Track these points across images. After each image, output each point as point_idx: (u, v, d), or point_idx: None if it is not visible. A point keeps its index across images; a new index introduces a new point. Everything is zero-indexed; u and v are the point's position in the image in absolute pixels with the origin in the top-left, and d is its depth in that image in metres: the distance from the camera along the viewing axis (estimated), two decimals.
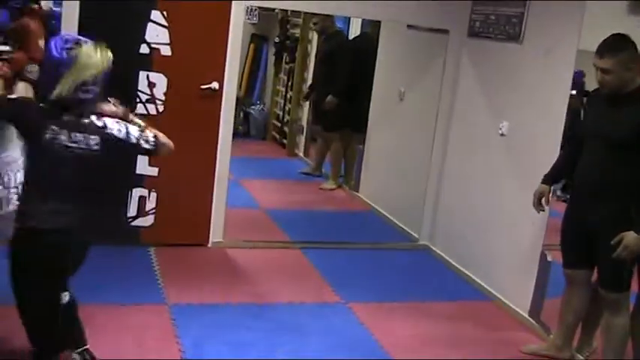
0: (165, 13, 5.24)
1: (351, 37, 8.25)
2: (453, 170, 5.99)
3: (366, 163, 7.48)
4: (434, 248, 6.14)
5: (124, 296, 4.64)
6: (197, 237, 5.64)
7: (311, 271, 5.49)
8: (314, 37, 8.89)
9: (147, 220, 5.48)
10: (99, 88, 3.33)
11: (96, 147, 3.27)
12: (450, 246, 5.95)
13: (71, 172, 3.24)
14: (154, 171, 5.39)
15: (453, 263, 5.83)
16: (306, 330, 4.50)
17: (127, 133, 3.42)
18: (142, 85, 5.28)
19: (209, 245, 5.68)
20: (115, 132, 3.36)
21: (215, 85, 5.41)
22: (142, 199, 5.44)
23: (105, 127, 3.33)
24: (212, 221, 5.65)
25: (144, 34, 5.23)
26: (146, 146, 3.52)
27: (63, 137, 3.20)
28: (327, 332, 4.50)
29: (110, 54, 3.44)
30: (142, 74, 5.27)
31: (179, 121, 5.34)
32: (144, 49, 5.24)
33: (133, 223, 5.44)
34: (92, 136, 3.27)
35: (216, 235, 5.68)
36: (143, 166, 5.37)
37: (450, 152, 6.04)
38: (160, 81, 5.30)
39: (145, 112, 5.29)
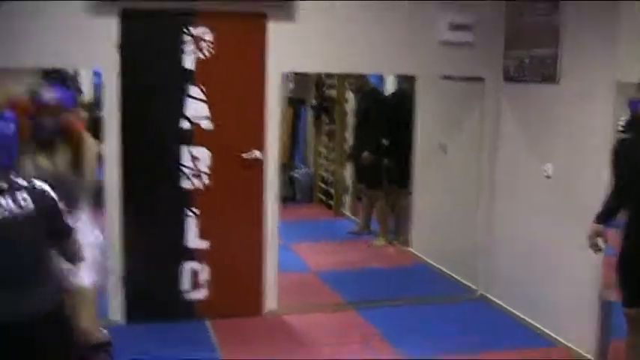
0: (202, 87, 5.33)
1: (386, 92, 8.29)
2: (503, 216, 5.94)
3: (414, 217, 7.44)
4: (491, 297, 6.05)
5: None
6: (251, 306, 5.63)
7: (369, 331, 5.44)
8: (350, 96, 8.94)
9: (201, 293, 5.50)
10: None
11: (25, 204, 2.88)
12: (507, 293, 5.86)
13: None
14: (204, 244, 5.42)
15: (512, 310, 5.74)
16: None
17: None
18: (186, 159, 5.35)
19: (264, 313, 5.66)
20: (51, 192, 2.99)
21: (257, 153, 5.46)
22: (194, 273, 5.47)
23: (35, 184, 2.97)
24: (265, 289, 5.65)
25: (183, 110, 5.32)
26: (67, 225, 3.08)
27: None
28: None
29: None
30: (185, 149, 5.35)
31: (225, 193, 5.42)
32: (185, 124, 5.33)
33: (187, 297, 5.46)
34: (18, 194, 2.90)
35: (270, 302, 5.67)
36: (193, 239, 5.42)
37: (497, 198, 5.99)
38: (203, 154, 5.38)
39: (191, 187, 5.36)
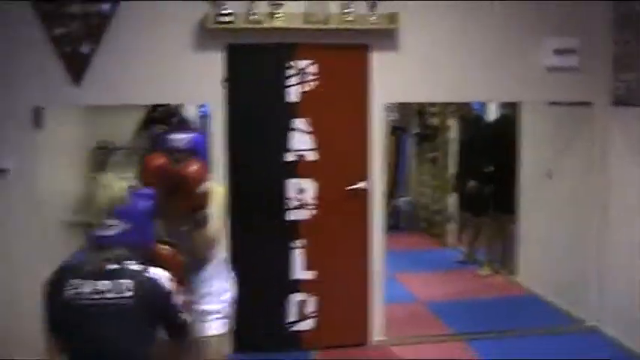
0: (307, 119, 5.38)
1: (489, 118, 8.19)
2: (617, 244, 5.75)
3: (520, 245, 7.29)
4: (602, 329, 5.86)
5: None
6: (358, 336, 5.62)
7: None
8: (453, 124, 8.87)
9: (308, 324, 5.53)
10: (127, 225, 2.81)
11: (128, 292, 2.70)
12: (620, 324, 5.66)
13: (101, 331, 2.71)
14: (310, 275, 5.45)
15: (625, 344, 5.54)
16: None
17: (174, 292, 2.85)
18: (291, 192, 5.41)
19: (371, 344, 5.63)
20: (163, 282, 2.81)
21: (362, 184, 5.47)
22: (301, 304, 5.50)
23: (145, 271, 2.78)
24: (372, 319, 5.63)
25: (288, 143, 5.38)
26: (181, 319, 2.92)
27: (86, 289, 2.70)
28: None
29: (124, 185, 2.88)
30: (291, 181, 5.40)
31: (331, 224, 5.45)
32: (290, 156, 5.39)
33: (294, 329, 5.49)
34: (123, 280, 2.72)
35: (377, 333, 5.64)
36: (299, 270, 5.45)
37: (610, 224, 5.81)
38: (309, 186, 5.42)
39: (297, 218, 5.40)
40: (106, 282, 2.69)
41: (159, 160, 3.40)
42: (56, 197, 8.17)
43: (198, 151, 3.55)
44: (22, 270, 5.21)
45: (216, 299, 3.70)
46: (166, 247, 3.14)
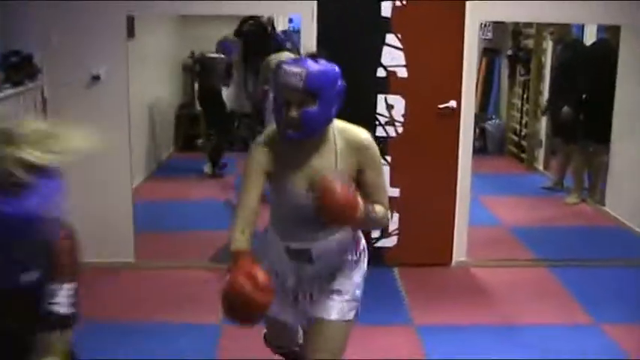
0: (399, 35, 5.29)
1: (587, 42, 7.92)
2: None
3: (611, 175, 7.11)
4: None
5: (373, 317, 4.68)
6: (440, 256, 5.62)
7: (559, 291, 5.29)
8: (548, 47, 8.63)
9: (391, 241, 5.55)
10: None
11: None
12: None
13: None
14: (395, 192, 5.43)
15: None
16: (558, 353, 4.31)
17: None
18: (381, 107, 5.37)
19: (453, 265, 5.63)
20: None
21: (453, 103, 5.38)
22: None
23: None
24: (455, 240, 5.61)
25: (380, 58, 5.31)
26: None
27: None
28: (580, 356, 4.28)
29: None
30: (380, 97, 5.36)
31: (419, 142, 5.40)
32: (381, 72, 5.33)
33: (377, 244, 5.51)
34: None
35: (459, 254, 5.63)
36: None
37: None
38: (398, 103, 5.37)
39: (385, 135, 5.37)
40: None
41: None
42: (147, 105, 8.35)
43: (322, 92, 2.72)
44: (112, 177, 5.36)
45: (347, 279, 3.01)
46: None
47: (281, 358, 3.56)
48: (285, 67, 2.70)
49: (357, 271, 3.04)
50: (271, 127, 2.87)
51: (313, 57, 2.75)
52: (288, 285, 3.00)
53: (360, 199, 2.67)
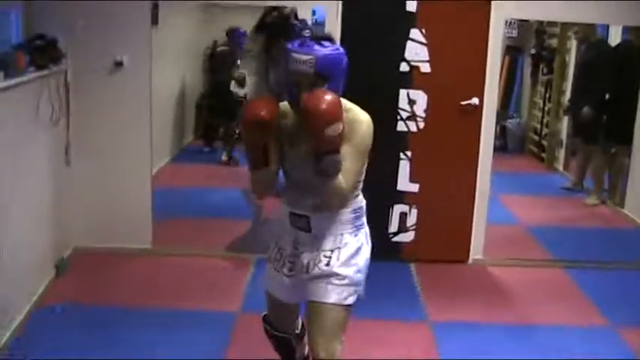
0: (424, 30, 5.28)
1: (611, 43, 7.87)
2: None
3: (632, 177, 7.06)
4: None
5: (387, 312, 4.70)
6: (457, 253, 5.61)
7: (575, 292, 5.27)
8: (572, 46, 8.58)
9: (408, 236, 5.55)
10: None
11: None
12: None
13: None
14: (415, 187, 5.43)
15: None
16: (572, 354, 4.30)
17: None
18: (403, 102, 5.36)
19: (469, 262, 5.62)
20: None
21: (475, 100, 5.37)
22: (403, 215, 5.51)
23: None
24: (472, 238, 5.60)
25: (404, 52, 5.30)
26: None
27: None
28: (593, 357, 4.26)
29: None
30: (403, 92, 5.35)
31: (439, 138, 5.40)
32: (404, 67, 5.32)
33: (394, 239, 5.51)
34: None
35: (476, 251, 5.62)
36: (404, 182, 5.44)
37: None
38: (420, 98, 5.36)
39: (406, 129, 5.36)
40: None
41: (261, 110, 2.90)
42: (168, 93, 8.36)
43: (331, 73, 2.90)
44: (131, 163, 5.39)
45: (346, 262, 3.06)
46: None
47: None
48: (294, 54, 2.84)
49: (358, 255, 3.11)
50: (283, 103, 3.02)
51: (317, 40, 2.89)
52: (285, 254, 3.12)
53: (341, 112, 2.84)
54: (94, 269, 5.21)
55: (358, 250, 3.12)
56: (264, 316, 3.45)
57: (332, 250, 3.05)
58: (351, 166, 2.93)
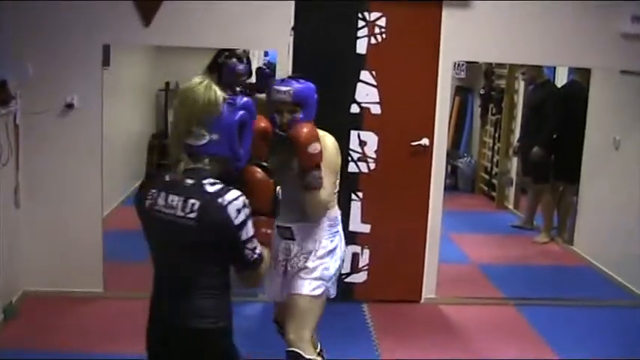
0: (374, 72, 5.35)
1: (558, 84, 8.04)
2: None
3: (580, 215, 7.20)
4: None
5: (340, 353, 4.67)
6: (410, 293, 5.64)
7: (527, 329, 5.33)
8: (520, 87, 8.74)
9: (360, 277, 5.56)
10: (216, 136, 2.54)
11: (192, 214, 2.47)
12: None
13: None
14: (366, 228, 5.47)
15: None
16: None
17: (244, 224, 2.51)
18: (354, 143, 5.40)
19: (422, 301, 5.65)
20: (230, 211, 2.47)
21: (425, 141, 5.44)
22: (355, 256, 5.52)
23: (218, 194, 2.47)
24: (425, 277, 5.64)
25: (354, 94, 5.36)
26: (249, 255, 2.57)
27: (160, 201, 2.56)
28: None
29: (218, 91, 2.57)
30: (354, 133, 5.40)
31: (390, 178, 5.45)
32: (354, 108, 5.38)
33: (347, 280, 5.52)
34: (192, 200, 2.48)
35: (428, 291, 5.65)
36: (356, 223, 5.47)
37: None
38: (371, 139, 5.41)
39: (357, 170, 5.40)
40: (177, 197, 2.50)
41: (262, 122, 3.44)
42: (120, 134, 8.32)
43: (306, 102, 3.60)
44: (82, 205, 5.35)
45: (318, 260, 3.66)
46: (260, 170, 2.73)
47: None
48: (276, 86, 3.57)
49: (330, 255, 3.69)
50: None
51: (295, 78, 3.65)
52: (279, 260, 3.69)
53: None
54: (44, 313, 5.13)
55: (332, 251, 3.70)
56: (274, 318, 3.99)
57: (310, 252, 3.65)
58: (326, 181, 3.52)
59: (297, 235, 3.66)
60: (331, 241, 3.71)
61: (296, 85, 3.57)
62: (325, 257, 3.67)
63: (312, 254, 3.65)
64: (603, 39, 5.53)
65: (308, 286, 3.61)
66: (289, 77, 3.73)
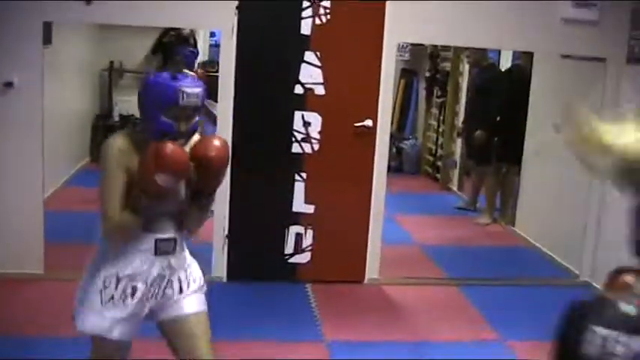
0: (318, 53, 5.35)
1: (502, 68, 8.14)
2: (615, 204, 5.75)
3: (522, 196, 7.32)
4: (596, 284, 5.89)
5: (282, 333, 4.71)
6: (353, 274, 5.67)
7: (468, 309, 5.40)
8: (465, 69, 8.83)
9: (304, 257, 5.57)
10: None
11: None
12: None
13: None
14: (310, 208, 5.48)
15: None
16: None
17: None
18: (298, 124, 5.40)
19: (365, 282, 5.69)
20: None
21: (369, 122, 5.46)
22: (298, 237, 5.54)
23: None
24: (368, 258, 5.67)
25: (298, 75, 5.35)
26: None
27: None
28: None
29: None
30: (297, 114, 5.39)
31: (334, 159, 5.45)
32: (298, 89, 5.37)
33: (290, 260, 5.54)
34: None
35: (372, 271, 5.69)
36: (299, 203, 5.48)
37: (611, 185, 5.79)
38: (315, 120, 5.42)
39: (301, 151, 5.41)
40: None
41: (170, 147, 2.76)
42: (62, 114, 8.19)
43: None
44: (22, 186, 5.26)
45: (196, 272, 3.15)
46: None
47: None
48: (187, 89, 2.77)
49: (196, 265, 3.17)
50: (124, 133, 2.96)
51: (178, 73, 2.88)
52: (145, 285, 2.97)
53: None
54: None
55: (195, 261, 3.20)
56: None
57: (189, 265, 3.10)
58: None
59: (179, 247, 3.06)
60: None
61: (199, 84, 2.88)
62: (197, 267, 3.18)
63: (192, 268, 3.13)
64: (545, 23, 5.60)
65: (203, 300, 3.11)
66: (168, 72, 2.88)
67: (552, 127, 6.65)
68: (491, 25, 5.55)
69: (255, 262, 5.52)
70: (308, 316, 5.07)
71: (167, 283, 3.03)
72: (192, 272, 3.10)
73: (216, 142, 2.86)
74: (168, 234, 2.98)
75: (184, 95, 2.76)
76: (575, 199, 6.14)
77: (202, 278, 3.14)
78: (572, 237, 6.17)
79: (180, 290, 3.05)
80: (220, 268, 5.46)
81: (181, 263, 3.07)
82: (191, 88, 2.78)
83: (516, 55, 7.75)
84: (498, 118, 7.44)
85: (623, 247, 5.59)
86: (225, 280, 5.47)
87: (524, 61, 7.38)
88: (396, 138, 9.68)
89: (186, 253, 3.12)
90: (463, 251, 6.85)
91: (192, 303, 3.06)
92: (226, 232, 5.42)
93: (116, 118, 9.04)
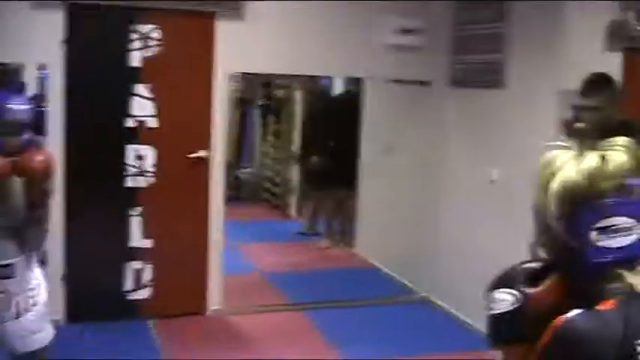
0: (149, 85, 5.29)
1: (335, 93, 8.31)
2: (448, 219, 5.98)
3: (359, 219, 7.48)
4: (434, 299, 6.10)
5: None
6: (196, 306, 5.61)
7: (313, 332, 5.46)
8: (298, 97, 8.94)
9: (144, 293, 5.46)
10: None
11: None
12: (450, 296, 5.91)
13: None
14: (148, 243, 5.39)
15: (455, 313, 5.79)
16: None
17: None
18: (131, 158, 5.31)
19: (208, 313, 5.63)
20: None
21: (203, 153, 5.44)
22: (137, 272, 5.42)
23: None
24: (209, 288, 5.63)
25: (129, 108, 5.27)
26: None
27: None
28: None
29: None
30: (130, 147, 5.30)
31: (170, 192, 5.40)
32: (130, 122, 5.28)
33: (130, 297, 5.41)
34: None
35: (214, 302, 5.65)
36: (137, 238, 5.38)
37: (442, 201, 6.03)
38: (148, 153, 5.34)
39: (136, 185, 5.32)
40: None
41: None
42: None
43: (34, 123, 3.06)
44: None
45: (38, 298, 3.13)
46: None
47: None
48: (15, 105, 2.86)
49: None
50: None
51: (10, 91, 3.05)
52: None
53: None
54: None
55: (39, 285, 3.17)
56: None
57: (33, 288, 3.05)
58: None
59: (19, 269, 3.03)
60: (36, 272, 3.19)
61: (26, 102, 2.98)
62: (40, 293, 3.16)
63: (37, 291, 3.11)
64: (372, 50, 5.77)
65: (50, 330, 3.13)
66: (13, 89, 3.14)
67: (383, 149, 6.89)
68: (321, 53, 5.67)
69: (95, 301, 5.35)
70: (151, 352, 4.96)
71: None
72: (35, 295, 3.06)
73: (39, 155, 2.96)
74: (7, 260, 2.95)
75: (10, 111, 2.83)
76: (410, 219, 6.34)
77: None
78: (408, 255, 6.36)
79: (18, 315, 2.99)
80: (58, 310, 5.25)
81: (23, 287, 3.02)
82: (17, 105, 2.87)
83: (349, 80, 7.94)
84: (332, 143, 7.58)
85: (456, 261, 5.85)
86: (63, 322, 5.27)
87: (355, 86, 7.57)
88: (233, 167, 9.66)
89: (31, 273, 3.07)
90: (307, 276, 6.91)
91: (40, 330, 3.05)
92: (63, 272, 5.23)
93: None
